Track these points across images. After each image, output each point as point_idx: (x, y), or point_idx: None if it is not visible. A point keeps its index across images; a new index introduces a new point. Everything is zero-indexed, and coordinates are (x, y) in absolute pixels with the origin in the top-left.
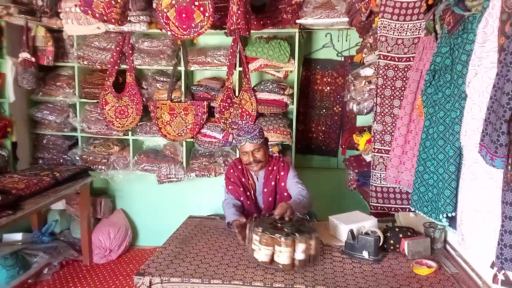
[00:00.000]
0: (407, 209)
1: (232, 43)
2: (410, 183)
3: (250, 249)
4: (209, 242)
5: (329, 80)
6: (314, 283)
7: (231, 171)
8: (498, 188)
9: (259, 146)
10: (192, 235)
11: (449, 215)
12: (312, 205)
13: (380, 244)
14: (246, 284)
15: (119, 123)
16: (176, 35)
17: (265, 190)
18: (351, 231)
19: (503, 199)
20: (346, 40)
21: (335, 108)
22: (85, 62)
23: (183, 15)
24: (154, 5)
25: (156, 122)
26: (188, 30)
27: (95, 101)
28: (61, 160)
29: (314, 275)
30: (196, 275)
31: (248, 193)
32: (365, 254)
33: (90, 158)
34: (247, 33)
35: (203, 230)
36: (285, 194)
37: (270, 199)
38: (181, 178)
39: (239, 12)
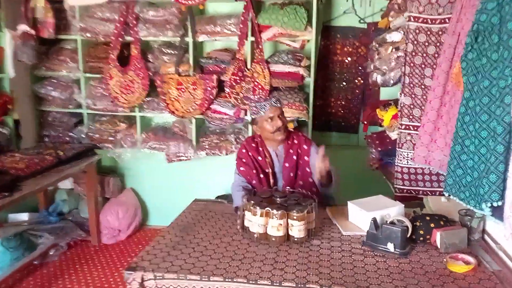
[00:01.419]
0: (437, 192)
1: (244, 10)
2: (442, 163)
3: (242, 227)
4: (213, 230)
5: (350, 50)
6: (331, 281)
7: (244, 151)
8: None
9: (282, 110)
10: (195, 221)
11: (494, 204)
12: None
13: (408, 235)
14: (251, 282)
15: (125, 99)
16: (181, 1)
17: (286, 164)
18: (374, 220)
19: None
20: (370, 5)
21: (356, 81)
22: (88, 35)
23: None
24: None
25: (163, 97)
26: None
27: (100, 76)
28: (67, 138)
29: (330, 271)
30: (195, 270)
31: (261, 176)
32: (390, 246)
33: (97, 135)
34: None
35: (208, 216)
36: (307, 169)
37: (292, 174)
38: (190, 157)
39: None
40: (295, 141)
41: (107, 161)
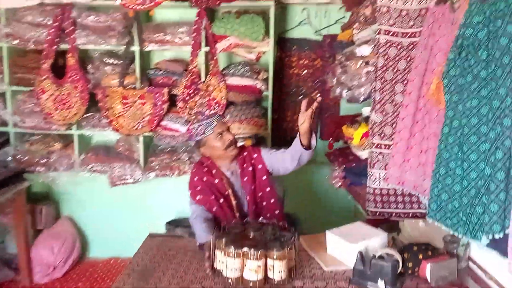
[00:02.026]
0: (410, 214)
1: (197, 18)
2: (415, 184)
3: (212, 271)
4: (177, 275)
5: (306, 62)
6: None
7: (195, 178)
8: None
9: (228, 125)
10: (155, 264)
11: (496, 236)
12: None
13: (399, 270)
14: None
15: (60, 115)
16: (128, 5)
17: (245, 178)
18: (361, 254)
19: None
20: (325, 17)
21: (312, 94)
22: (16, 41)
23: None
24: None
25: (105, 113)
26: None
27: (30, 88)
28: None
29: None
30: None
31: (221, 200)
32: (381, 284)
33: (26, 158)
34: (218, 3)
35: (169, 255)
36: (264, 177)
37: (253, 187)
38: (138, 179)
39: None
40: (245, 153)
41: (39, 187)
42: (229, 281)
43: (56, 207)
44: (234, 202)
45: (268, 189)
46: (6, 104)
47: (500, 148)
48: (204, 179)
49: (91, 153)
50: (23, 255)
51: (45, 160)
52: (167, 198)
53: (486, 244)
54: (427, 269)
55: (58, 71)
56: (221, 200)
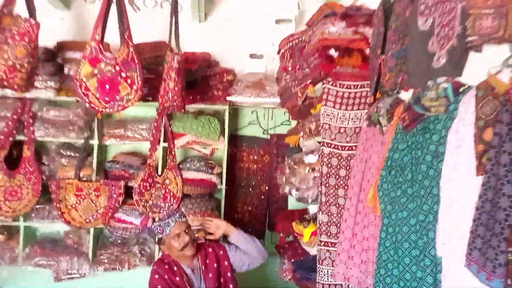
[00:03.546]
0: None
1: (157, 117)
2: (360, 280)
3: None
4: None
5: (255, 157)
6: None
7: (156, 276)
8: None
9: (188, 224)
10: None
11: None
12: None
13: None
14: None
15: (9, 207)
16: (97, 108)
17: (210, 275)
18: None
19: None
20: (272, 119)
21: (261, 187)
22: None
23: (107, 87)
24: (66, 71)
25: (58, 205)
26: (111, 103)
27: None
28: None
29: None
30: None
31: None
32: None
33: None
34: (183, 110)
35: None
36: (228, 274)
37: (217, 284)
38: (85, 274)
39: (176, 89)
40: (209, 250)
41: None
42: None
43: None
44: None
45: (231, 286)
46: None
47: (428, 256)
48: (166, 277)
49: (37, 246)
50: None
51: None
52: None
53: None
54: None
55: (11, 161)
56: None
